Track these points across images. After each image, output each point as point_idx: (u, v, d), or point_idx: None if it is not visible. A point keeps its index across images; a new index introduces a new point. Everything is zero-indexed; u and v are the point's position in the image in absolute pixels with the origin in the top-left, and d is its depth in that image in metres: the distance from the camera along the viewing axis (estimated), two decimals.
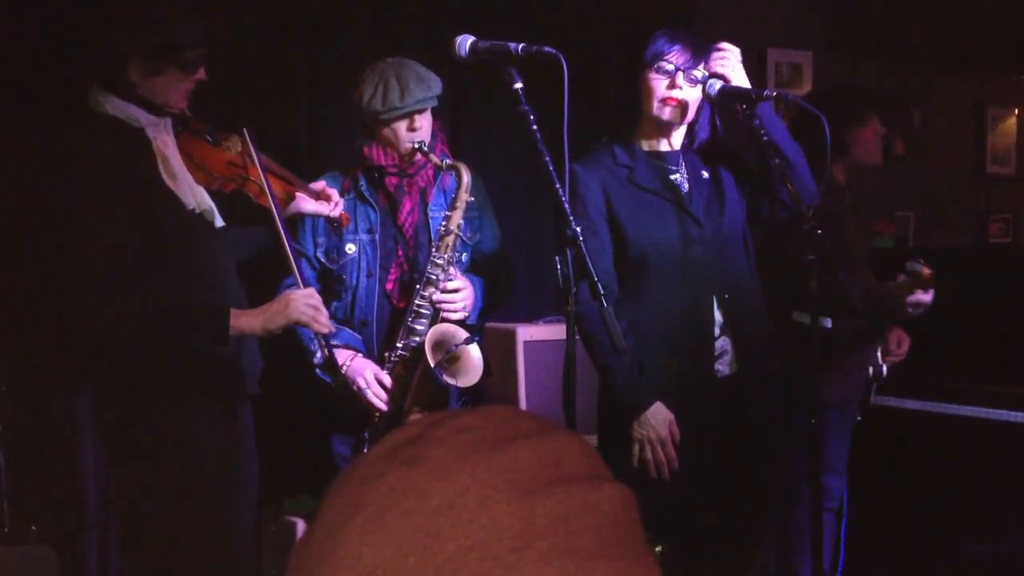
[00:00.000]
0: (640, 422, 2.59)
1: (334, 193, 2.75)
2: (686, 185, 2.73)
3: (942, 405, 3.71)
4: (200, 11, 2.42)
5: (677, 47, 2.63)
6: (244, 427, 2.59)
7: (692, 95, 2.65)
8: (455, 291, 2.78)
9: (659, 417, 2.59)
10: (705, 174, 2.76)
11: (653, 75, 2.65)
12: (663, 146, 2.75)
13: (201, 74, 2.44)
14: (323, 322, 2.47)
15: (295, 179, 2.70)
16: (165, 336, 2.39)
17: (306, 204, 2.70)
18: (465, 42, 2.31)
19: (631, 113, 2.72)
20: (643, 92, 2.67)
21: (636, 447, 2.59)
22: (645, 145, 2.74)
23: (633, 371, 2.60)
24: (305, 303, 2.43)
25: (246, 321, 2.41)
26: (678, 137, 2.75)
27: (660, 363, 2.63)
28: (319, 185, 2.74)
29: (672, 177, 2.72)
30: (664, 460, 2.59)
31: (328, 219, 2.78)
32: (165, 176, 2.40)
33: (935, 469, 3.71)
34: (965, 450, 3.67)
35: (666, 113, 2.66)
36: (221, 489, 2.51)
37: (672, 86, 2.63)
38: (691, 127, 2.75)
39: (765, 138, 2.63)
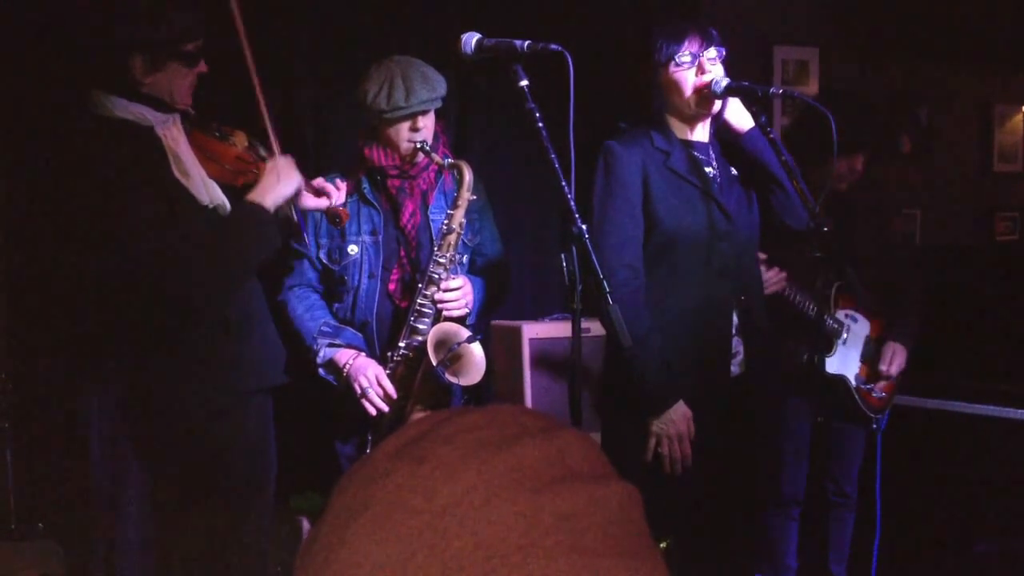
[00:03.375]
0: (662, 417, 2.58)
1: (329, 187, 2.75)
2: (719, 178, 2.72)
3: (945, 402, 3.71)
4: (196, 3, 2.43)
5: (687, 38, 2.63)
6: (268, 419, 2.62)
7: (721, 72, 2.66)
8: (455, 289, 2.79)
9: (680, 412, 2.59)
10: (733, 171, 2.76)
11: (676, 70, 2.63)
12: (694, 136, 2.74)
13: (202, 67, 2.44)
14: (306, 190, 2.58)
15: None
16: (244, 261, 2.44)
17: (307, 200, 2.71)
18: (471, 40, 2.31)
19: (656, 109, 2.70)
20: (673, 89, 2.65)
21: (652, 441, 2.58)
22: (678, 134, 2.72)
23: (663, 366, 2.58)
24: (295, 171, 2.52)
25: (269, 198, 2.47)
26: (706, 128, 2.75)
27: (682, 359, 2.62)
28: (318, 181, 2.75)
29: (706, 169, 2.71)
30: (680, 456, 2.59)
31: (327, 212, 2.76)
32: (177, 174, 2.41)
33: (938, 466, 3.70)
34: (968, 447, 3.67)
35: (705, 102, 2.66)
36: (250, 483, 2.54)
37: (701, 71, 2.63)
38: (714, 118, 2.75)
39: (772, 135, 2.63)
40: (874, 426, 3.34)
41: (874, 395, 3.32)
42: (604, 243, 2.52)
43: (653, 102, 2.69)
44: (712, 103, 2.67)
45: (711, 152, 2.75)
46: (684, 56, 2.62)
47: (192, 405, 2.45)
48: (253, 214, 2.43)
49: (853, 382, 3.27)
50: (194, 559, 2.53)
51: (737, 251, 2.69)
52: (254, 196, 2.44)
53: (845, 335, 3.26)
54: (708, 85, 2.62)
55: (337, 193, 2.74)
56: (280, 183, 2.48)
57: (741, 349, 2.73)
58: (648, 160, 2.65)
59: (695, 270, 2.65)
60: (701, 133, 2.75)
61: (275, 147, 2.54)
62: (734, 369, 2.73)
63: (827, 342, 3.21)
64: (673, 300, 2.64)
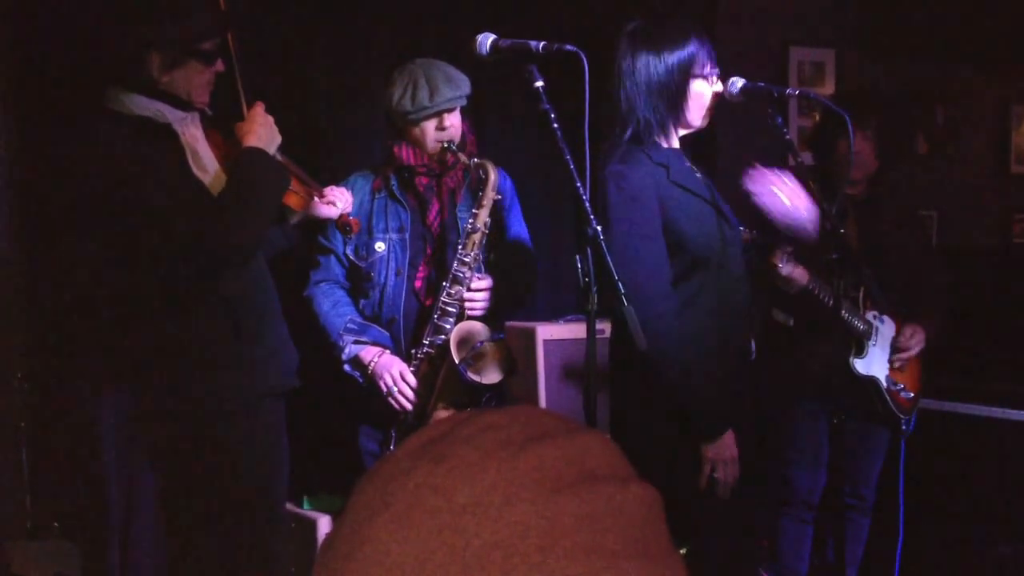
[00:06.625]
0: (716, 443, 2.52)
1: (338, 192, 2.76)
2: (708, 184, 2.68)
3: (963, 405, 3.69)
4: (213, 3, 2.43)
5: (705, 47, 2.56)
6: (280, 423, 2.62)
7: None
8: (484, 290, 2.80)
9: (731, 436, 2.55)
10: (706, 176, 2.71)
11: (700, 82, 2.54)
12: (676, 144, 2.65)
13: (219, 66, 2.45)
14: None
15: (309, 179, 2.72)
16: (263, 201, 2.42)
17: (320, 208, 2.72)
18: (486, 41, 2.30)
19: (653, 118, 2.57)
20: (691, 101, 2.56)
21: (708, 467, 2.53)
22: (664, 143, 2.62)
23: (717, 392, 2.52)
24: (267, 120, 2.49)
25: (260, 144, 2.45)
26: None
27: (713, 369, 2.55)
28: (329, 189, 2.76)
29: (698, 176, 2.65)
30: (732, 481, 2.55)
31: (337, 221, 2.77)
32: (196, 170, 2.41)
33: (958, 469, 3.68)
34: (986, 449, 3.65)
35: (708, 119, 2.61)
36: (261, 487, 2.54)
37: (719, 83, 2.58)
38: None
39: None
40: (903, 427, 3.32)
41: (902, 395, 3.30)
42: (637, 273, 2.36)
43: (644, 111, 2.54)
44: (710, 118, 2.62)
45: (690, 158, 2.68)
46: (706, 67, 2.54)
47: (202, 408, 2.45)
48: (254, 155, 2.42)
49: (884, 383, 3.25)
50: (207, 562, 2.53)
51: (740, 253, 2.67)
52: (258, 144, 2.44)
53: (875, 336, 3.25)
54: (720, 96, 2.59)
55: (347, 202, 2.75)
56: (261, 128, 2.46)
57: (754, 349, 2.72)
58: (656, 177, 2.53)
59: (719, 279, 2.59)
60: (677, 141, 2.65)
61: (244, 109, 2.54)
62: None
63: (858, 344, 3.20)
64: (702, 311, 2.56)
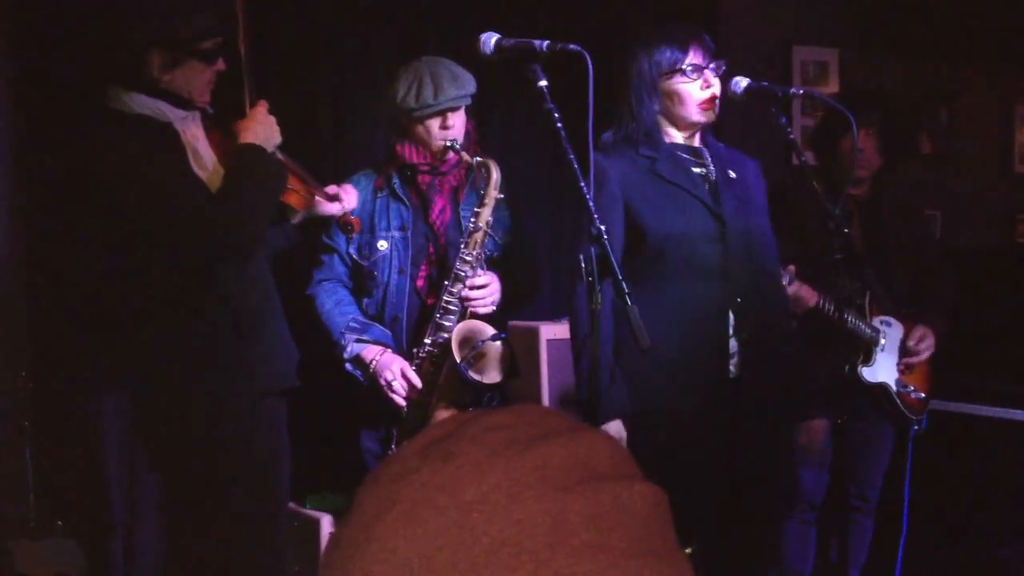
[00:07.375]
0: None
1: (344, 192, 2.76)
2: (712, 178, 2.67)
3: (966, 405, 3.69)
4: (214, 2, 2.43)
5: (691, 47, 2.59)
6: (281, 422, 2.61)
7: (719, 87, 2.63)
8: (482, 287, 2.79)
9: (614, 428, 2.48)
10: (732, 173, 2.71)
11: (681, 81, 2.59)
12: (685, 139, 2.70)
13: (220, 65, 2.44)
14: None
15: (310, 178, 2.71)
16: (262, 198, 2.42)
17: (323, 207, 2.72)
18: (490, 40, 2.30)
19: (645, 115, 2.64)
20: (675, 100, 2.62)
21: None
22: (667, 139, 2.68)
23: (611, 378, 2.49)
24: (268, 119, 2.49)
25: (258, 141, 2.45)
26: (697, 131, 2.71)
27: (676, 361, 2.55)
28: (332, 188, 2.76)
29: (696, 171, 2.66)
30: None
31: (339, 220, 2.78)
32: (196, 168, 2.40)
33: (961, 469, 3.68)
34: (990, 450, 3.64)
35: (708, 115, 2.62)
36: (261, 486, 2.53)
37: (707, 85, 2.60)
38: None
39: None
40: (915, 427, 3.31)
41: (913, 396, 3.29)
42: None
43: (643, 108, 2.62)
44: (712, 116, 2.63)
45: (706, 155, 2.70)
46: (688, 66, 2.58)
47: (203, 408, 2.44)
48: (251, 151, 2.42)
49: (894, 387, 3.25)
50: (208, 561, 2.53)
51: (732, 252, 2.63)
52: (243, 140, 2.44)
53: (883, 342, 3.24)
54: (711, 100, 2.60)
55: (351, 200, 2.75)
56: (260, 126, 2.46)
57: (736, 350, 2.67)
58: (631, 168, 2.59)
59: (686, 272, 2.59)
60: (692, 136, 2.70)
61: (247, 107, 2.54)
62: (731, 371, 2.68)
63: (866, 351, 3.19)
64: (665, 303, 2.56)
